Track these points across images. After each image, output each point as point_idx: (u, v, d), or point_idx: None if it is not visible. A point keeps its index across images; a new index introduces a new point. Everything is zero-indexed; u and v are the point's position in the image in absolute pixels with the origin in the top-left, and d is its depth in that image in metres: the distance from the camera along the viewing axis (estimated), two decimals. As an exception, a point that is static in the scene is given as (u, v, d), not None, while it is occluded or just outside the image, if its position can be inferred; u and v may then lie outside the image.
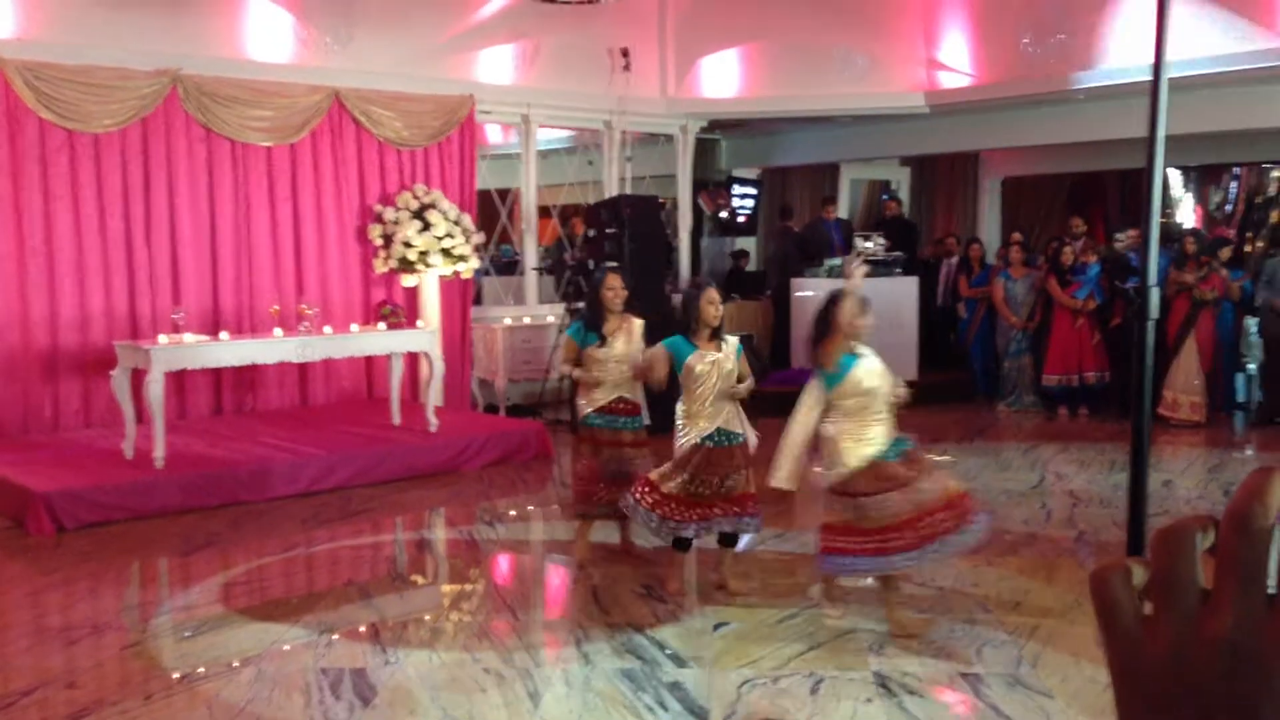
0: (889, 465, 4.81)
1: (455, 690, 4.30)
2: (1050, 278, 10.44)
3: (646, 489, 5.31)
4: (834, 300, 4.92)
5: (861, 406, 4.85)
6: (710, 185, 13.34)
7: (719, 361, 5.28)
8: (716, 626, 5.00)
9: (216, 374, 8.80)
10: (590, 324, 5.81)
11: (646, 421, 6.00)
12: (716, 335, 5.36)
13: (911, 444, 4.96)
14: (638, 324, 5.89)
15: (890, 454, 4.84)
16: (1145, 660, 0.52)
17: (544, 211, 11.47)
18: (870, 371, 4.89)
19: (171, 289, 8.71)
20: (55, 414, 8.34)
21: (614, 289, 5.80)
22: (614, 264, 9.34)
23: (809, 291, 10.57)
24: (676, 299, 9.93)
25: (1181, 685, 0.50)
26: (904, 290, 11.24)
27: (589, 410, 5.81)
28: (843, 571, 5.01)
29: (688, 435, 5.30)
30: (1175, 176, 13.98)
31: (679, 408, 5.39)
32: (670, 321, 6.10)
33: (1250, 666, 0.49)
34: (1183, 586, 0.51)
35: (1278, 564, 0.49)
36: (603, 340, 5.76)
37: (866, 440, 4.84)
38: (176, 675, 4.51)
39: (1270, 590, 0.49)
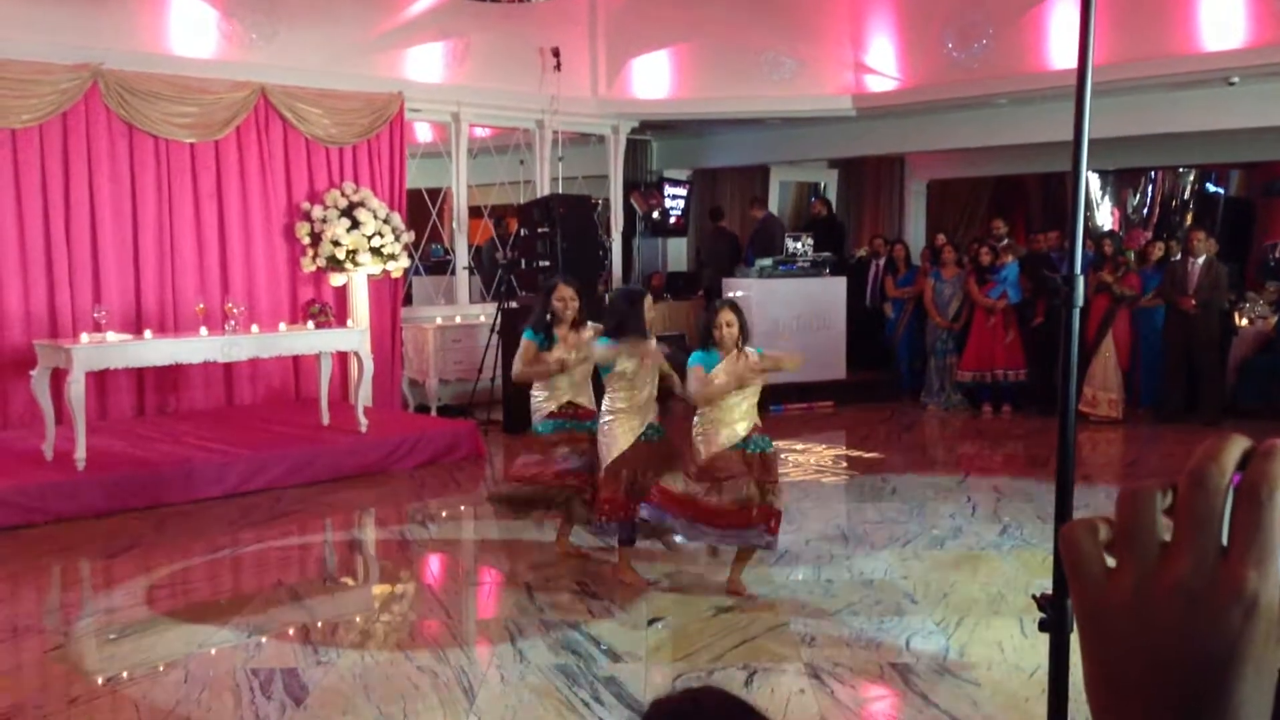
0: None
1: (389, 688, 4.27)
2: (970, 277, 10.68)
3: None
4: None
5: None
6: (642, 186, 13.38)
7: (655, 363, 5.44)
8: (651, 621, 5.02)
9: (139, 374, 8.63)
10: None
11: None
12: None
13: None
14: (588, 330, 5.78)
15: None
16: (1110, 606, 0.56)
17: (475, 211, 11.42)
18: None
19: (93, 287, 8.52)
20: (-29, 415, 8.11)
21: (564, 299, 5.68)
22: (546, 264, 9.35)
23: (740, 291, 10.64)
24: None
25: (1142, 626, 0.55)
26: (832, 290, 11.38)
27: (541, 416, 5.74)
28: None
29: (621, 434, 5.35)
30: (1094, 180, 14.34)
31: (606, 407, 5.45)
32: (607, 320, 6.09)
33: (1203, 607, 0.53)
34: (1144, 539, 0.55)
35: (1229, 520, 0.54)
36: (551, 344, 5.66)
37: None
38: (101, 679, 4.42)
39: (1222, 543, 0.54)
